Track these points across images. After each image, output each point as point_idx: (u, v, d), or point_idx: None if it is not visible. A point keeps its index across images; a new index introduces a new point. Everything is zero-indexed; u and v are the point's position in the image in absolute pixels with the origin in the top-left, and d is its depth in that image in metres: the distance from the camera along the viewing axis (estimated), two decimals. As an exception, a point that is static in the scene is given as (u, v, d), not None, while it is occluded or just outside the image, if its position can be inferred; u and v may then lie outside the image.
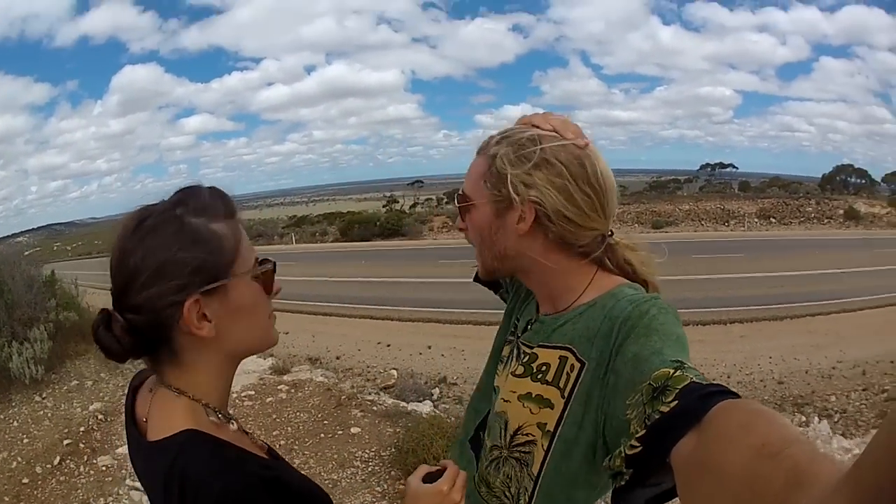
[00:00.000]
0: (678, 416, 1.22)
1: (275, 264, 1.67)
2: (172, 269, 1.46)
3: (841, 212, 48.30)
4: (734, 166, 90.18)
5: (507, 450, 1.93)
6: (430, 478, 1.84)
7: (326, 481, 8.46)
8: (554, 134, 1.76)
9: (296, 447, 10.23)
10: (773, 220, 47.08)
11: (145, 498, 5.00)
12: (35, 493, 9.23)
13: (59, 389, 12.38)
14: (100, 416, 11.21)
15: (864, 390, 14.53)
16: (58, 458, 9.91)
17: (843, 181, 63.12)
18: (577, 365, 1.71)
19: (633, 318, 1.57)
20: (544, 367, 1.83)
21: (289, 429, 10.80)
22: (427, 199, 75.93)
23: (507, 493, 1.93)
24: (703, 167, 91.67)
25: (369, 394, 12.31)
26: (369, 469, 8.71)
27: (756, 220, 47.13)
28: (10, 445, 10.55)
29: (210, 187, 1.62)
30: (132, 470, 7.09)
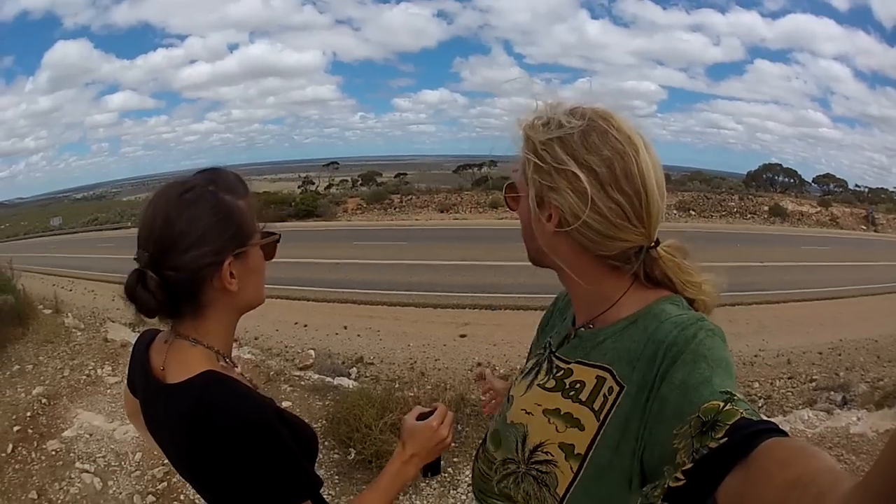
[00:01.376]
0: (726, 453, 1.25)
1: (280, 236, 1.97)
2: (213, 235, 1.75)
3: (766, 208, 48.72)
4: None
5: (524, 465, 1.86)
6: (422, 417, 2.14)
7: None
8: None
9: None
10: (693, 213, 47.26)
11: (96, 479, 5.60)
12: None
13: (3, 375, 12.20)
14: (43, 400, 11.13)
15: (789, 378, 14.84)
16: (10, 445, 9.74)
17: (770, 179, 63.41)
18: (616, 388, 1.64)
19: (679, 343, 1.51)
20: (578, 385, 1.77)
21: None
22: (342, 181, 74.31)
23: None
24: None
25: (293, 372, 12.57)
26: (302, 441, 9.02)
27: (675, 211, 47.06)
28: None
29: (233, 171, 1.93)
30: (80, 453, 7.49)
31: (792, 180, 64.20)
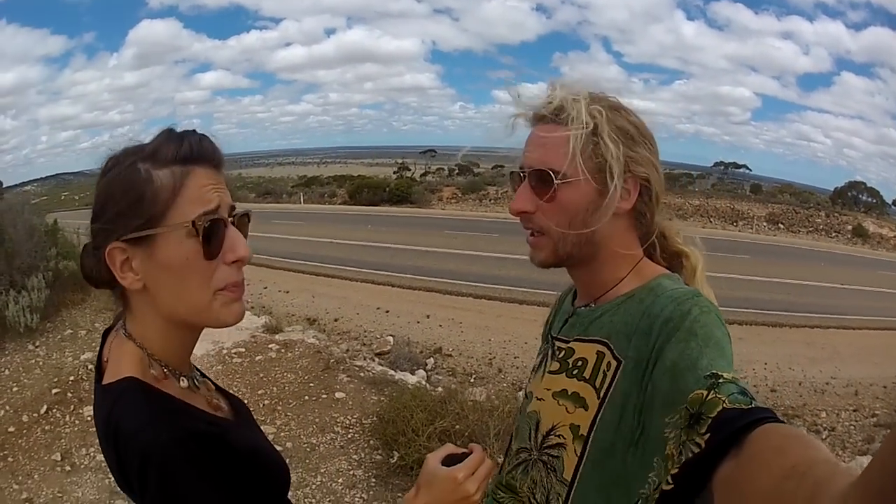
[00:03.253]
0: (710, 453, 1.23)
1: (225, 223, 1.50)
2: (106, 211, 1.43)
3: (850, 228, 48.13)
4: (748, 167, 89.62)
5: (536, 451, 1.82)
6: (451, 459, 1.71)
7: (305, 445, 8.44)
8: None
9: (279, 408, 10.21)
10: (782, 226, 46.87)
11: None
12: (19, 441, 9.30)
13: (53, 338, 12.41)
14: (90, 366, 11.07)
15: (854, 411, 14.43)
16: (45, 406, 9.95)
17: (854, 198, 62.51)
18: (614, 363, 1.62)
19: (674, 318, 1.49)
20: (580, 363, 1.74)
21: (274, 388, 10.77)
22: (438, 169, 75.37)
23: (533, 500, 1.82)
24: (716, 164, 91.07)
25: (359, 359, 12.27)
26: (349, 436, 8.66)
27: (765, 223, 46.89)
28: (1, 394, 10.62)
29: (183, 131, 1.52)
30: None
31: (874, 200, 62.96)
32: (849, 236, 47.01)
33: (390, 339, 17.02)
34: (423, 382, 11.89)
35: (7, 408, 10.12)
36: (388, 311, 20.22)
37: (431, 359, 16.08)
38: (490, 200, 46.53)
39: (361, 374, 11.02)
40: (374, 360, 13.13)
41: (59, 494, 8.52)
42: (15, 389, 10.73)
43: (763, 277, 26.52)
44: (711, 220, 43.78)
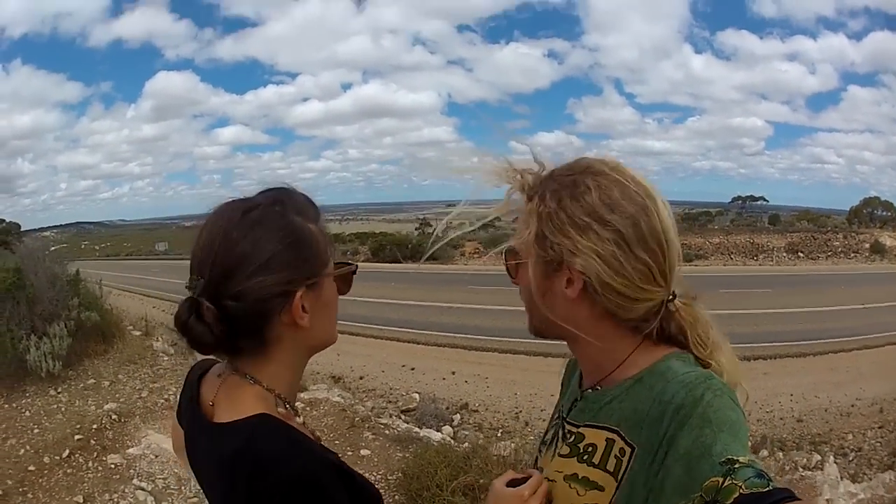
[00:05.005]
0: None
1: (356, 268, 1.86)
2: (283, 261, 1.56)
3: (867, 245, 48.48)
4: (765, 199, 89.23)
5: None
6: (513, 483, 1.81)
7: (332, 501, 8.43)
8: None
9: None
10: (801, 255, 47.09)
11: (150, 498, 5.15)
12: (40, 480, 9.32)
13: (76, 386, 12.47)
14: (114, 416, 11.27)
15: (879, 428, 14.53)
16: (67, 451, 9.98)
17: (870, 214, 62.42)
18: (628, 449, 1.60)
19: (686, 405, 1.46)
20: (591, 448, 1.72)
21: None
22: (460, 224, 75.86)
23: None
24: (734, 200, 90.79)
25: (384, 417, 12.26)
26: (374, 492, 8.62)
27: (784, 254, 47.03)
28: (20, 433, 10.66)
29: (302, 192, 1.73)
30: (140, 471, 7.16)
31: (889, 213, 62.97)
32: (867, 254, 47.53)
33: (416, 396, 17.15)
34: (449, 439, 11.81)
35: (27, 447, 10.17)
36: (413, 369, 20.18)
37: (458, 415, 16.02)
38: (519, 254, 46.55)
39: (386, 432, 10.95)
40: (399, 418, 13.08)
41: None
42: (36, 431, 10.78)
43: (785, 309, 26.42)
44: (732, 256, 43.64)
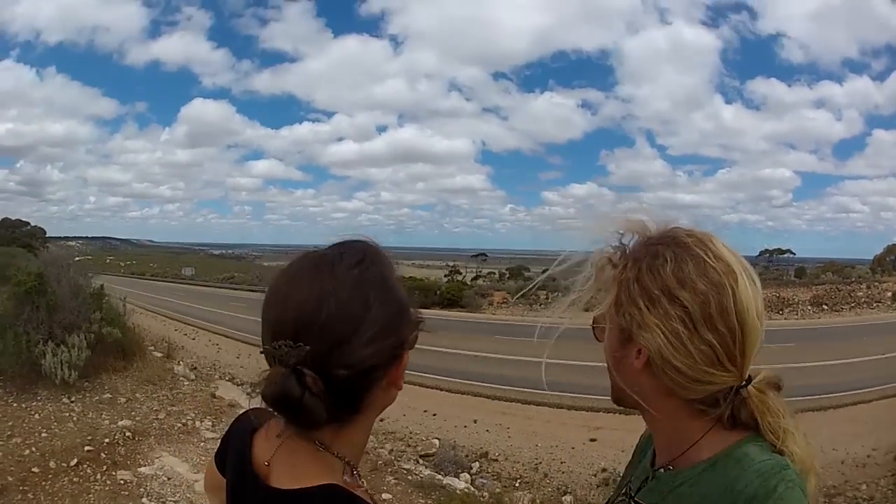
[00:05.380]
0: None
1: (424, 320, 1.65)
2: (394, 324, 1.46)
3: (889, 294, 47.68)
4: (791, 252, 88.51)
5: None
6: None
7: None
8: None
9: None
10: (826, 307, 46.43)
11: None
12: (44, 484, 9.31)
13: (90, 398, 12.49)
14: (128, 434, 11.24)
15: (892, 475, 14.65)
16: (75, 459, 9.96)
17: (893, 261, 62.35)
18: None
19: (759, 496, 1.45)
20: None
21: None
22: (490, 273, 75.79)
23: None
24: (762, 253, 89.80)
25: (406, 462, 12.15)
26: (395, 540, 8.51)
27: (809, 307, 46.37)
28: (26, 434, 10.69)
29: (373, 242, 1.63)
30: (151, 491, 7.16)
31: None
32: (889, 302, 46.68)
33: (436, 441, 17.08)
34: (471, 487, 11.70)
35: (33, 449, 10.16)
36: (435, 415, 20.06)
37: (477, 462, 15.81)
38: (540, 305, 46.28)
39: (409, 478, 10.94)
40: (419, 463, 13.04)
41: None
42: (44, 435, 10.77)
43: (807, 363, 25.71)
44: (771, 313, 43.37)
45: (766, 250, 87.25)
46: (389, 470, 11.10)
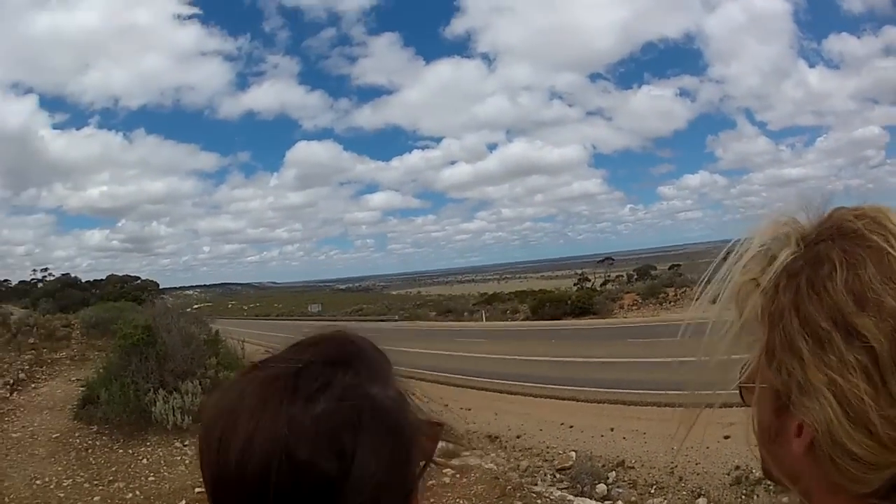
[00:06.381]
0: None
1: (443, 428, 1.25)
2: (403, 460, 1.07)
3: None
4: None
5: None
6: None
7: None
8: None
9: None
10: None
11: None
12: None
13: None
14: None
15: None
16: (184, 501, 10.28)
17: None
18: None
19: None
20: None
21: None
22: (618, 276, 75.48)
23: None
24: None
25: (538, 484, 12.09)
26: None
27: None
28: (133, 479, 11.19)
29: (365, 338, 1.26)
30: None
31: None
32: None
33: (573, 454, 16.84)
34: None
35: (138, 493, 10.62)
36: (571, 427, 19.90)
37: (614, 472, 15.69)
38: (669, 303, 45.75)
39: (538, 501, 10.80)
40: (553, 486, 12.94)
41: None
42: (151, 479, 11.22)
43: None
44: None
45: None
46: (518, 495, 10.93)
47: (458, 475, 12.03)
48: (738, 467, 14.37)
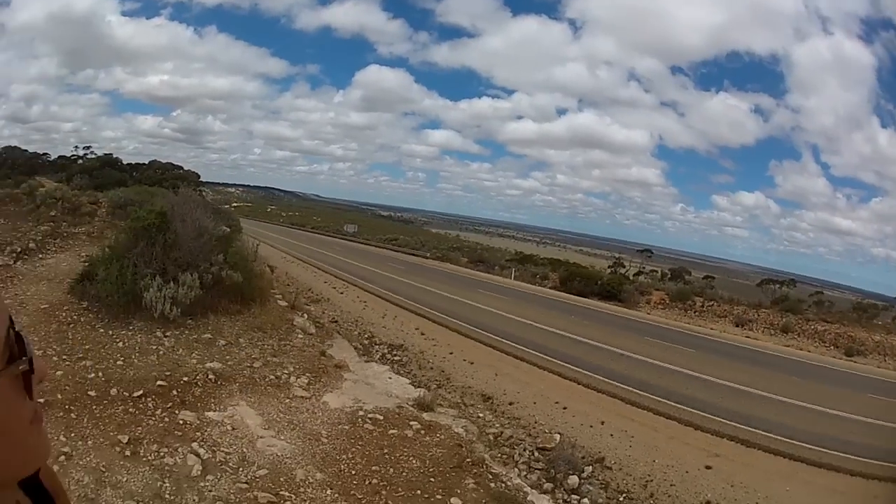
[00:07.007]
0: None
1: (31, 367, 1.14)
2: None
3: None
4: None
5: None
6: None
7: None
8: None
9: (383, 493, 9.99)
10: None
11: (198, 466, 7.33)
12: (94, 408, 9.76)
13: (188, 336, 12.92)
14: (211, 376, 11.63)
15: None
16: (141, 391, 10.40)
17: None
18: None
19: None
20: None
21: (391, 470, 10.54)
22: (652, 271, 74.37)
23: None
24: None
25: (499, 465, 12.03)
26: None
27: None
28: (102, 360, 11.28)
29: None
30: (207, 437, 7.65)
31: None
32: None
33: (557, 436, 16.72)
34: None
35: (101, 374, 10.74)
36: (565, 409, 19.65)
37: (591, 467, 15.39)
38: (695, 312, 45.13)
39: (492, 485, 10.65)
40: (516, 468, 12.92)
41: (103, 469, 8.81)
42: (119, 363, 11.34)
43: None
44: (886, 358, 40.92)
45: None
46: (474, 471, 10.86)
47: (422, 431, 11.93)
48: (708, 502, 14.19)
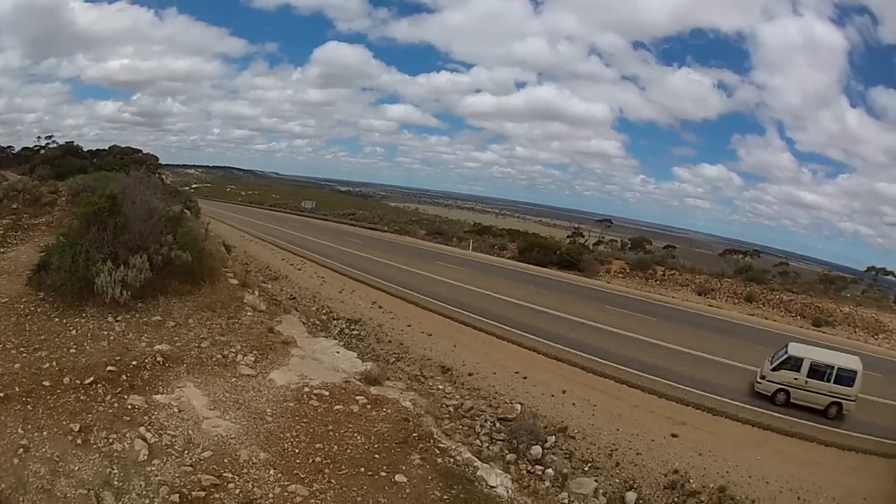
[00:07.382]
0: None
1: None
2: None
3: None
4: (895, 275, 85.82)
5: None
6: None
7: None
8: None
9: (326, 471, 9.87)
10: None
11: (145, 451, 7.25)
12: (48, 398, 9.73)
13: (138, 319, 12.72)
14: (160, 358, 11.47)
15: None
16: (92, 378, 10.29)
17: None
18: None
19: None
20: None
21: (334, 447, 10.41)
22: (612, 241, 74.71)
23: None
24: (868, 269, 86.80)
25: (446, 439, 11.82)
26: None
27: None
28: (56, 349, 11.15)
29: None
30: (154, 420, 8.51)
31: None
32: None
33: (518, 406, 16.68)
34: (506, 491, 10.90)
35: (54, 363, 10.58)
36: (525, 378, 19.55)
37: (553, 437, 15.29)
38: (656, 281, 45.08)
39: (438, 460, 10.39)
40: (464, 444, 12.66)
41: (57, 459, 8.82)
42: (72, 351, 11.17)
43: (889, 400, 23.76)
44: (856, 330, 41.05)
45: (873, 268, 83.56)
46: (420, 447, 10.63)
47: (369, 406, 11.75)
48: (676, 471, 14.00)
